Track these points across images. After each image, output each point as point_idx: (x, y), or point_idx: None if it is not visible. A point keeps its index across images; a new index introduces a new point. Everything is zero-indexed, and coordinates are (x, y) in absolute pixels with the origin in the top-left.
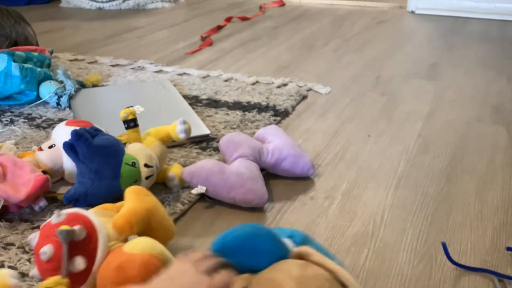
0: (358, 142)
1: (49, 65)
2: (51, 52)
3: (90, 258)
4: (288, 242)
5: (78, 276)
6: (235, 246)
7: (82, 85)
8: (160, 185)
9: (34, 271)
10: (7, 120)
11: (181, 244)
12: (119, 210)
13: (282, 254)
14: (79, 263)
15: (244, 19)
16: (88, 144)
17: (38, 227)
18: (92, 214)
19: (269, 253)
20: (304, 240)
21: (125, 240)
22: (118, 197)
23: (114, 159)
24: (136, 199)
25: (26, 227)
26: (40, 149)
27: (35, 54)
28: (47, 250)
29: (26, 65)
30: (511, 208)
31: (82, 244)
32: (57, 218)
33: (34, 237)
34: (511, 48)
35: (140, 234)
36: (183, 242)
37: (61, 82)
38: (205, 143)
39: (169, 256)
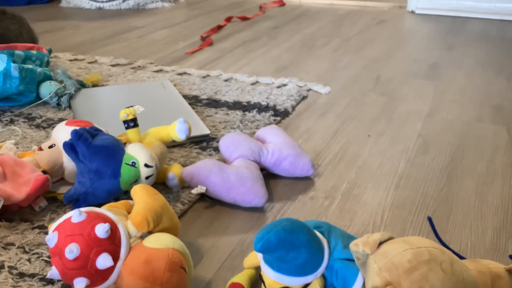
0: (358, 142)
1: (48, 63)
2: (49, 51)
3: (115, 255)
4: (318, 233)
5: (103, 272)
6: (276, 241)
7: (82, 85)
8: (160, 185)
9: (53, 272)
10: (7, 120)
11: None
12: (128, 208)
13: (318, 245)
14: (107, 259)
15: (244, 19)
16: (88, 144)
17: (38, 227)
18: (109, 212)
19: (306, 245)
20: (329, 230)
21: (141, 237)
22: (117, 197)
23: (114, 159)
24: (148, 196)
25: (26, 227)
26: (40, 149)
27: (34, 52)
28: (74, 248)
29: (26, 66)
30: (511, 208)
31: (107, 241)
32: (78, 217)
33: (52, 237)
34: (511, 48)
35: (152, 231)
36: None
37: (61, 82)
38: (205, 143)
39: (187, 250)
